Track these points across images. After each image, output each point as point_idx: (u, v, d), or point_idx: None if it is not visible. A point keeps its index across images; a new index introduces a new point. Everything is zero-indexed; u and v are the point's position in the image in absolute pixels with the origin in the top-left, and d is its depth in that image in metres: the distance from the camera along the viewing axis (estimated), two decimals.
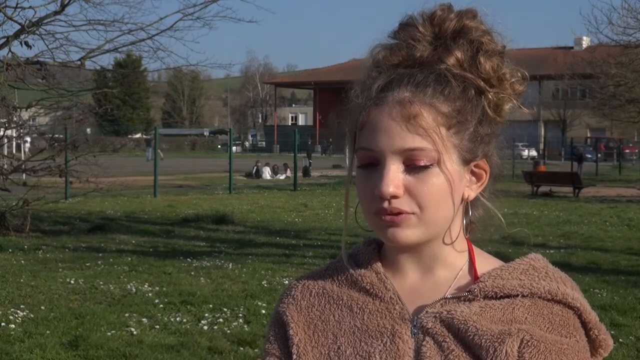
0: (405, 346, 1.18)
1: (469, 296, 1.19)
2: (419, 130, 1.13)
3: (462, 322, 1.16)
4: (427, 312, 1.19)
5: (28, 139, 15.80)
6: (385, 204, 1.14)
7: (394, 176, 1.14)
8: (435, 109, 1.14)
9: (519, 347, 1.14)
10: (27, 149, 17.21)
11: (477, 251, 1.26)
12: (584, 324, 1.20)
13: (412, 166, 1.14)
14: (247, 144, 76.46)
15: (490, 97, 1.19)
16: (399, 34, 1.20)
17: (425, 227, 1.16)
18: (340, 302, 1.25)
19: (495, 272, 1.22)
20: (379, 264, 1.26)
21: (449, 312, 1.18)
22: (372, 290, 1.24)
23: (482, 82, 1.18)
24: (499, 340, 1.14)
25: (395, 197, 1.14)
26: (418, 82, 1.15)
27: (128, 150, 52.27)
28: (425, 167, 1.14)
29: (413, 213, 1.15)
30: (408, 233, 1.15)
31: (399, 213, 1.14)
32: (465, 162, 1.18)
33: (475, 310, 1.18)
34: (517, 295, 1.19)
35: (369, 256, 1.27)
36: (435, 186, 1.15)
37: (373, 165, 1.16)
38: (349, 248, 1.32)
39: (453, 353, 1.16)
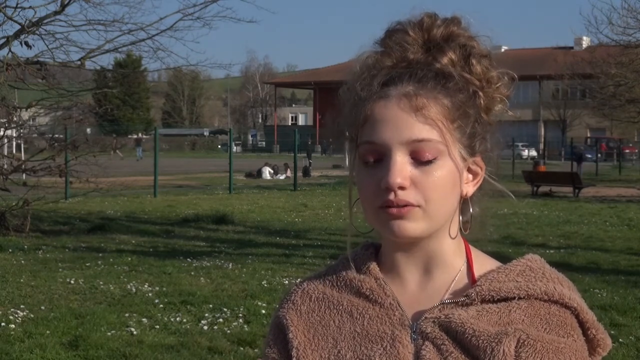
0: (405, 350, 1.19)
1: (466, 300, 1.20)
2: (428, 120, 1.15)
3: (460, 325, 1.17)
4: (425, 317, 1.20)
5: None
6: (392, 196, 1.14)
7: (401, 167, 1.14)
8: (439, 102, 1.16)
9: (515, 347, 1.14)
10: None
11: (474, 252, 1.27)
12: (582, 324, 1.21)
13: (419, 158, 1.15)
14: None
15: (482, 97, 1.20)
16: (388, 39, 1.22)
17: (429, 221, 1.17)
18: (341, 307, 1.26)
19: (492, 275, 1.22)
20: (378, 269, 1.26)
21: (446, 317, 1.19)
22: (371, 296, 1.24)
23: (477, 82, 1.20)
24: (496, 341, 1.15)
25: (402, 188, 1.14)
26: (419, 77, 1.17)
27: (128, 150, 52.34)
28: (432, 160, 1.15)
29: (419, 205, 1.15)
30: (413, 226, 1.16)
31: (405, 205, 1.14)
32: (465, 158, 1.19)
33: (473, 314, 1.18)
34: (514, 298, 1.20)
35: (367, 261, 1.28)
36: (441, 179, 1.16)
37: (377, 161, 1.16)
38: (345, 251, 1.32)
39: (452, 355, 1.16)
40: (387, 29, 1.23)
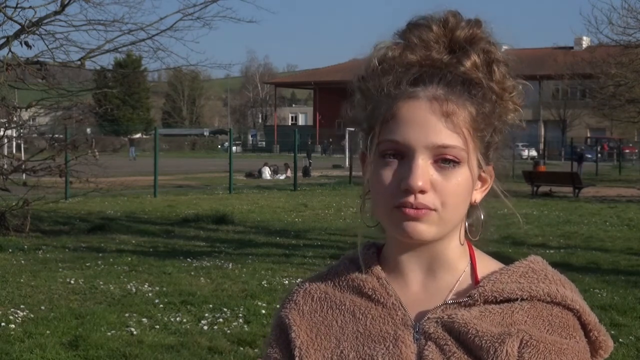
0: (408, 350, 1.18)
1: (469, 301, 1.20)
2: (455, 128, 1.14)
3: (463, 325, 1.17)
4: (428, 317, 1.20)
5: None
6: (411, 199, 1.13)
7: (424, 171, 1.13)
8: (467, 109, 1.16)
9: (518, 348, 1.14)
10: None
11: (477, 253, 1.27)
12: (584, 326, 1.21)
13: (441, 163, 1.15)
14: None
15: (499, 106, 1.20)
16: (409, 33, 1.19)
17: (442, 225, 1.16)
18: (343, 307, 1.26)
19: (495, 276, 1.22)
20: (380, 269, 1.26)
21: (449, 317, 1.19)
22: (374, 296, 1.24)
23: (497, 90, 1.19)
24: (499, 341, 1.14)
25: (422, 192, 1.13)
26: (448, 81, 1.16)
27: (127, 150, 52.40)
28: (453, 166, 1.15)
29: (435, 210, 1.15)
30: (427, 229, 1.15)
31: (422, 208, 1.14)
32: (481, 166, 1.20)
33: (475, 314, 1.18)
34: (517, 299, 1.20)
35: (369, 261, 1.28)
36: (460, 185, 1.16)
37: (397, 158, 1.15)
38: (345, 252, 1.32)
39: (455, 355, 1.16)
40: (409, 21, 1.21)
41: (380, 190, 1.17)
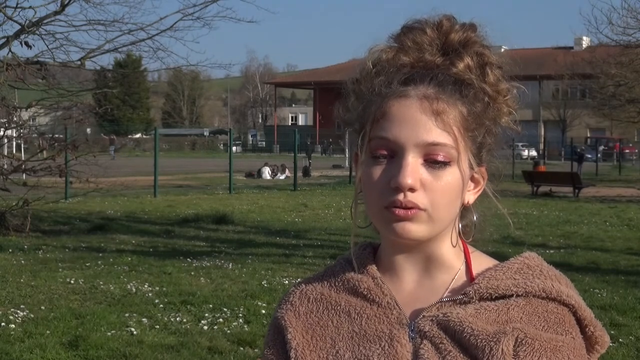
0: (404, 350, 1.18)
1: (465, 299, 1.20)
2: (445, 126, 1.15)
3: (458, 323, 1.17)
4: (423, 316, 1.20)
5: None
6: (401, 197, 1.13)
7: (414, 169, 1.14)
8: (457, 109, 1.16)
9: (514, 346, 1.14)
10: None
11: (472, 251, 1.27)
12: (580, 321, 1.21)
13: (431, 161, 1.15)
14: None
15: (493, 108, 1.20)
16: (404, 36, 1.20)
17: (433, 225, 1.16)
18: (339, 307, 1.26)
19: (490, 272, 1.22)
20: (375, 269, 1.26)
21: (444, 315, 1.18)
22: (369, 295, 1.24)
23: (491, 92, 1.19)
24: (495, 340, 1.14)
25: (412, 190, 1.14)
26: (440, 81, 1.16)
27: (128, 150, 52.40)
28: (444, 165, 1.15)
29: (424, 209, 1.15)
30: (416, 228, 1.15)
31: (412, 208, 1.14)
32: (472, 166, 1.20)
33: (471, 312, 1.18)
34: (512, 296, 1.20)
35: (365, 261, 1.28)
36: (450, 184, 1.16)
37: (387, 157, 1.16)
38: (345, 252, 1.32)
39: (450, 354, 1.16)
40: (403, 25, 1.22)
41: (371, 189, 1.17)
